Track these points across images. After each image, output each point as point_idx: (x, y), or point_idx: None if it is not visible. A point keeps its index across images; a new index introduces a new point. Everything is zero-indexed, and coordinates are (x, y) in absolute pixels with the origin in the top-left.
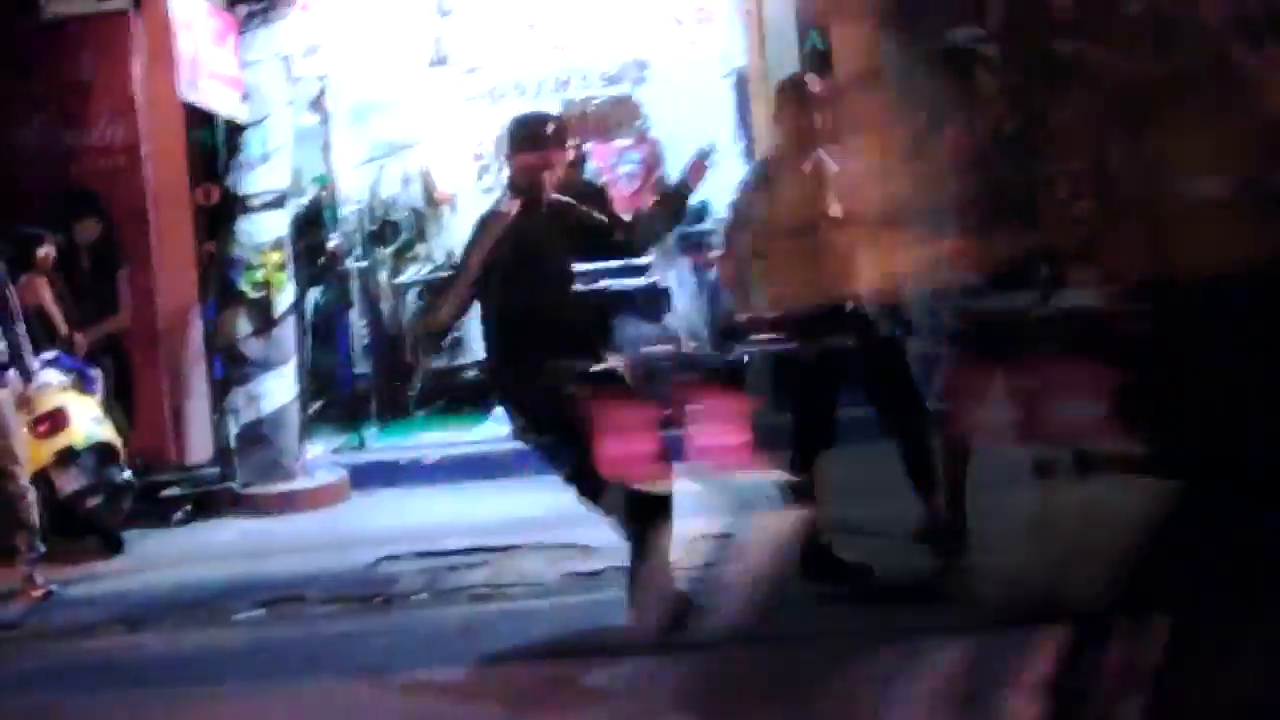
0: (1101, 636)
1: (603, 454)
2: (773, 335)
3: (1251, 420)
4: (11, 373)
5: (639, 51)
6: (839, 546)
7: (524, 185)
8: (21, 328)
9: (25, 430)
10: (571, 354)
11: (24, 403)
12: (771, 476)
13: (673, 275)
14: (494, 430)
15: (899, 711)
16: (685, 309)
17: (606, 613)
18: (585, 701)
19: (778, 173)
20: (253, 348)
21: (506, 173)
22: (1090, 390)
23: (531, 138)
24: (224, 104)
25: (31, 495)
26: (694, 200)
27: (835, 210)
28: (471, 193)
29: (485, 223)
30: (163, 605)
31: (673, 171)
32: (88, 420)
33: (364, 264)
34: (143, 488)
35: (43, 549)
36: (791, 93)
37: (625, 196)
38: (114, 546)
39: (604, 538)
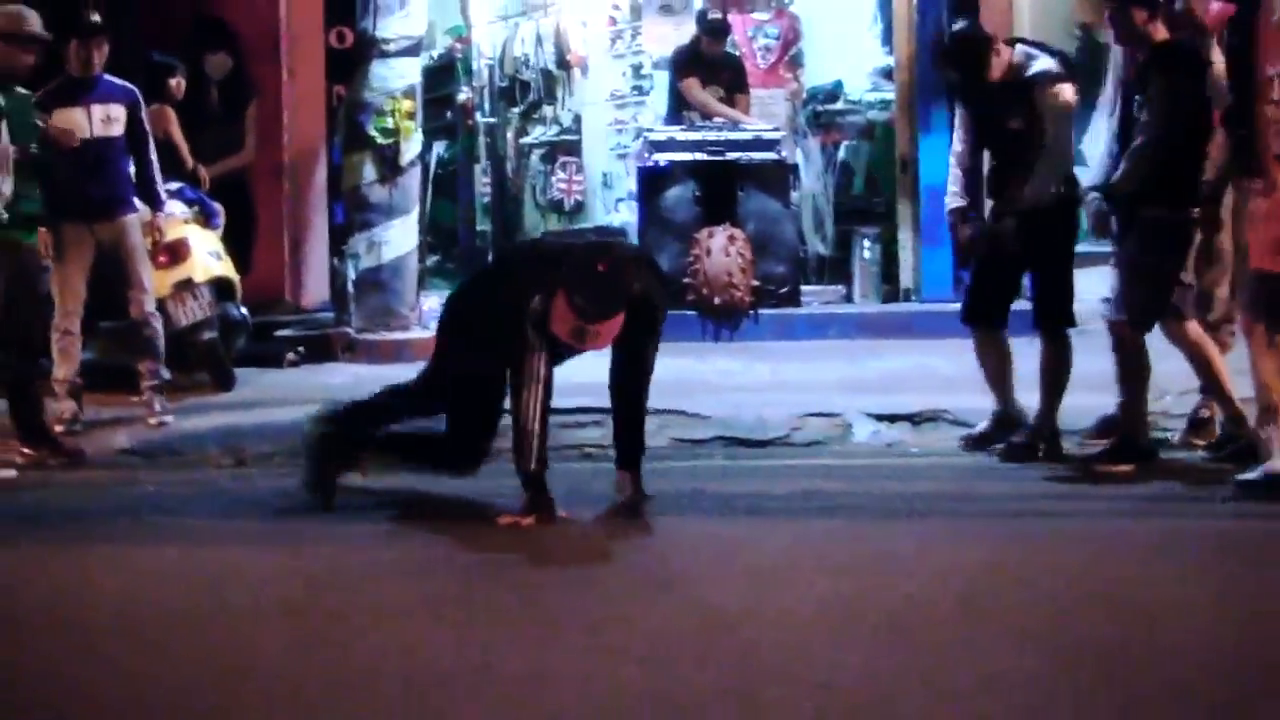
0: None
1: None
2: None
3: None
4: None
5: None
6: None
7: None
8: (153, 155)
9: None
10: None
11: (150, 231)
12: None
13: (800, 153)
14: None
15: None
16: (811, 187)
17: (712, 480)
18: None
19: None
20: (377, 194)
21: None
22: None
23: None
24: None
25: (157, 322)
26: (828, 80)
27: None
28: (604, 57)
29: None
30: (272, 443)
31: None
32: (207, 254)
33: (491, 121)
34: (257, 327)
35: (166, 376)
36: None
37: (760, 71)
38: (225, 382)
39: (713, 406)
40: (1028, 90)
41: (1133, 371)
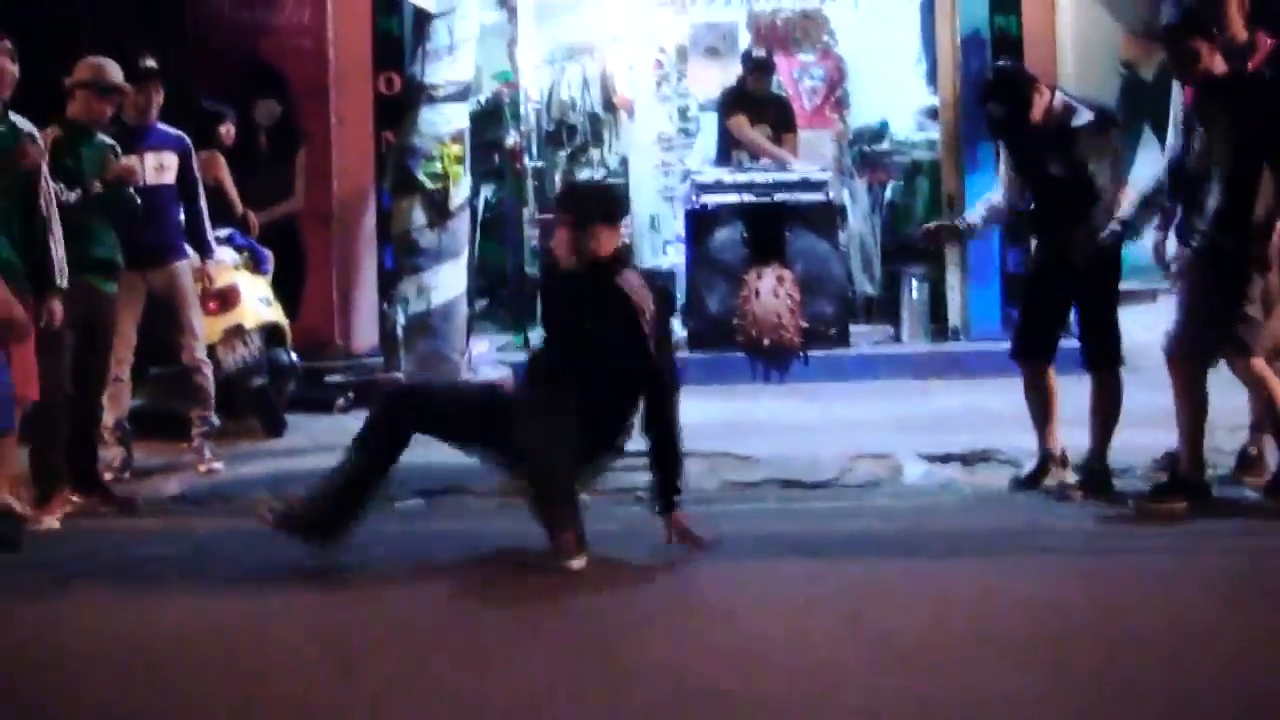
0: None
1: None
2: None
3: None
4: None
5: None
6: None
7: None
8: (203, 203)
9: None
10: None
11: (200, 277)
12: None
13: (847, 193)
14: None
15: None
16: (858, 227)
17: (763, 521)
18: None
19: None
20: (426, 238)
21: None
22: None
23: None
24: None
25: (208, 369)
26: (873, 120)
27: None
28: (650, 100)
29: None
30: None
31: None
32: (257, 300)
33: (539, 164)
34: (307, 372)
35: (216, 423)
36: None
37: (806, 112)
38: (276, 428)
39: (764, 448)
40: (1070, 139)
41: (1189, 408)
